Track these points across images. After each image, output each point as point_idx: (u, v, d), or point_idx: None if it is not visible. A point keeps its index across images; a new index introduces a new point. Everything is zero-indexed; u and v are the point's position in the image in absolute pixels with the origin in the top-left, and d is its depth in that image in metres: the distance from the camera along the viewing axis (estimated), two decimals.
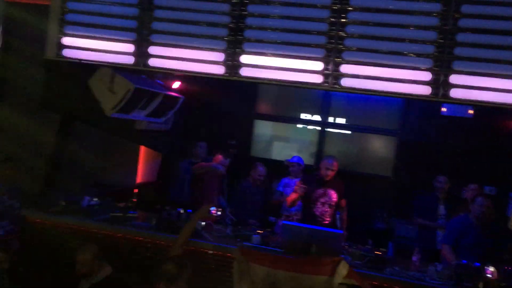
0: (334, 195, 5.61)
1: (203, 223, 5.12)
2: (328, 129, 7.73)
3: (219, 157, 6.40)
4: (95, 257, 4.14)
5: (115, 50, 5.05)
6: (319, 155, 7.59)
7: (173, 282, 3.36)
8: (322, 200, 5.60)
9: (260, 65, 4.80)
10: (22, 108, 6.95)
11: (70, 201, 5.53)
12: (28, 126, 6.79)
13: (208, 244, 4.89)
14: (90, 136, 6.97)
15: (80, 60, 5.09)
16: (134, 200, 5.79)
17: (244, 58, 4.81)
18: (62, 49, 5.13)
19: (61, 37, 5.12)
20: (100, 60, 5.10)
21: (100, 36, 5.07)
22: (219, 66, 4.86)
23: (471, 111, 6.79)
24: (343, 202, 5.75)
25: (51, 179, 5.76)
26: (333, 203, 5.61)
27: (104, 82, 5.25)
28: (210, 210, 4.48)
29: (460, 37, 4.38)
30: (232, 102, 7.48)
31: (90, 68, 5.33)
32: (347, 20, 4.61)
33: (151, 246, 4.99)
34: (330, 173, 5.59)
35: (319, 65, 4.68)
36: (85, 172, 7.10)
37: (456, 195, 6.29)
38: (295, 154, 7.89)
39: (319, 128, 7.75)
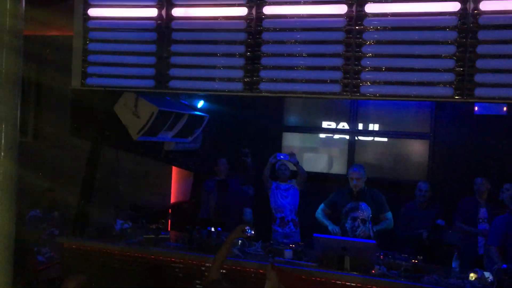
0: (366, 209, 5.32)
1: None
2: (358, 137, 7.62)
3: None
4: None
5: (137, 75, 5.16)
6: (351, 163, 7.47)
7: None
8: (352, 214, 5.32)
9: (278, 78, 4.79)
10: (55, 137, 7.24)
11: (105, 225, 5.64)
12: (62, 155, 7.03)
13: (240, 261, 4.88)
14: (122, 159, 7.12)
15: (104, 87, 5.22)
16: (164, 221, 5.84)
17: (263, 73, 4.82)
18: (87, 78, 5.28)
19: (85, 66, 5.28)
20: (123, 85, 5.22)
21: (122, 62, 5.19)
22: (238, 83, 4.89)
23: (505, 108, 6.53)
24: (386, 216, 5.45)
25: (85, 204, 5.89)
26: (366, 218, 5.29)
27: (129, 107, 5.36)
28: (245, 230, 4.43)
29: (482, 35, 4.24)
30: (259, 116, 7.50)
31: (115, 94, 5.46)
32: (364, 26, 4.55)
33: (184, 266, 5.02)
34: (357, 183, 5.42)
35: (338, 74, 4.62)
36: (120, 195, 7.25)
37: (495, 197, 6.06)
38: (325, 165, 7.85)
39: (348, 136, 7.64)
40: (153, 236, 5.44)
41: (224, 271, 4.70)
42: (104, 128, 5.67)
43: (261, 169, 6.52)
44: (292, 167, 6.51)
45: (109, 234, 5.52)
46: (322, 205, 5.76)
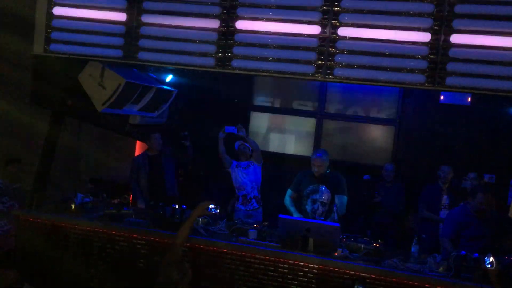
0: (326, 192, 5.43)
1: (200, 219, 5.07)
2: (325, 120, 7.63)
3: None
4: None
5: (104, 44, 4.94)
6: (317, 146, 7.51)
7: None
8: (313, 197, 5.46)
9: (252, 56, 4.68)
10: (16, 107, 6.91)
11: (64, 198, 5.44)
12: (27, 126, 6.72)
13: (205, 240, 4.81)
14: (85, 131, 6.89)
15: (69, 55, 4.99)
16: (127, 196, 5.70)
17: (236, 50, 4.71)
18: (50, 44, 5.02)
19: (49, 32, 5.02)
20: (89, 54, 5.00)
21: (89, 29, 4.96)
22: (210, 58, 4.76)
23: (469, 99, 6.67)
24: (342, 198, 5.43)
25: (45, 176, 5.67)
26: (325, 201, 5.42)
27: (94, 77, 5.15)
28: (208, 208, 4.35)
29: (456, 24, 4.26)
30: (227, 94, 7.39)
31: (80, 62, 5.23)
32: (341, 8, 4.49)
33: (146, 243, 4.92)
34: (318, 169, 5.41)
35: (312, 55, 4.56)
36: (81, 168, 7.04)
37: (457, 184, 6.22)
38: (291, 146, 7.85)
39: (315, 119, 7.65)
40: (114, 211, 5.29)
41: (187, 249, 4.65)
42: (67, 97, 5.43)
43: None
44: None
45: (68, 208, 5.33)
46: (289, 191, 5.70)
